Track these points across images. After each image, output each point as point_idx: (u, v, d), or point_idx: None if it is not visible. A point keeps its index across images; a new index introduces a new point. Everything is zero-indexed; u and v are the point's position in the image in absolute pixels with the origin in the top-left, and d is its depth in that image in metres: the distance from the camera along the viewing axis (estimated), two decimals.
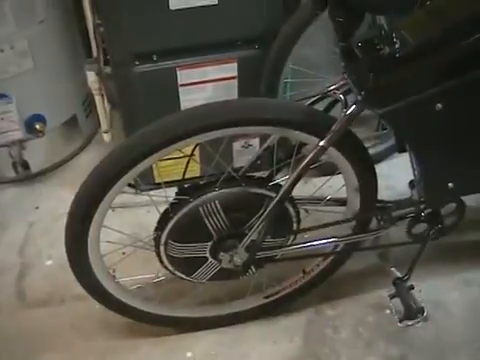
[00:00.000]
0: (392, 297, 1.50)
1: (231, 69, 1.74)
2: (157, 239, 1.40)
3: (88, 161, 2.12)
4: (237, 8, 1.62)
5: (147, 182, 1.93)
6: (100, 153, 2.11)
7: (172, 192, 1.40)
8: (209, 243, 1.40)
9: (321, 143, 1.25)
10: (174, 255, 1.42)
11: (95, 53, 1.69)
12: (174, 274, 1.48)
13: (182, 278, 1.50)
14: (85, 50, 1.93)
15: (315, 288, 1.66)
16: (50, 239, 1.91)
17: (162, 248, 1.41)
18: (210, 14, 1.61)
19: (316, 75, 1.76)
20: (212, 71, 1.72)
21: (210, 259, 1.43)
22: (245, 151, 1.95)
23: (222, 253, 1.40)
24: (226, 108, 1.26)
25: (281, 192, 1.30)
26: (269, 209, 1.31)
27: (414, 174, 1.45)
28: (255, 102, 1.30)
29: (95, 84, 1.74)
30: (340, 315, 1.70)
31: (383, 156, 2.04)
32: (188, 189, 1.36)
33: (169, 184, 1.68)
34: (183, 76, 1.72)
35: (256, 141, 1.95)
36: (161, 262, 1.45)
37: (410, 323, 1.47)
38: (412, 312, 1.46)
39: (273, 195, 1.35)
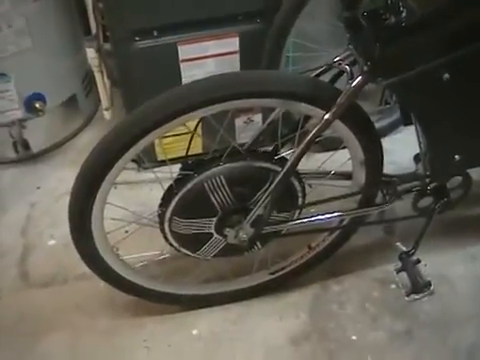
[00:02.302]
0: (398, 271, 1.50)
1: (232, 44, 1.71)
2: (162, 215, 1.38)
3: (89, 140, 2.10)
4: None
5: (149, 159, 1.91)
6: (101, 132, 2.05)
7: (176, 169, 1.38)
8: (214, 219, 1.38)
9: (327, 115, 1.23)
10: (179, 231, 1.40)
11: (94, 30, 1.66)
12: (179, 251, 1.47)
13: (187, 255, 1.48)
14: (84, 27, 1.91)
15: (321, 264, 1.66)
16: (52, 219, 1.90)
17: (167, 224, 1.39)
18: None
19: (318, 49, 1.73)
20: (213, 46, 1.70)
21: (215, 235, 1.42)
22: (247, 127, 1.93)
23: (227, 229, 1.39)
24: (231, 80, 1.24)
25: (287, 166, 1.28)
26: (275, 183, 1.30)
27: (420, 147, 1.44)
28: (260, 74, 1.28)
29: (95, 61, 1.71)
30: (346, 290, 1.70)
31: (386, 131, 2.03)
32: (192, 164, 1.34)
33: (172, 161, 1.69)
34: (184, 51, 1.70)
35: (258, 117, 1.93)
36: (166, 239, 1.44)
37: (417, 297, 1.46)
38: (419, 286, 1.45)
39: (278, 169, 1.34)
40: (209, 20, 1.67)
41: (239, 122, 1.92)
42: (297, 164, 1.28)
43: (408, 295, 1.47)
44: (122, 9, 1.58)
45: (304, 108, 1.26)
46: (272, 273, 1.63)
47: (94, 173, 1.25)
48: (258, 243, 1.46)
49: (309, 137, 1.25)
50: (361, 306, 1.66)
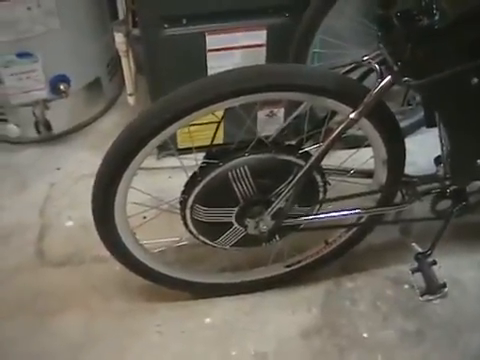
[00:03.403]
0: (414, 271, 1.51)
1: (260, 36, 1.72)
2: (183, 202, 1.40)
3: (110, 124, 2.12)
4: None
5: (169, 148, 1.92)
6: (123, 117, 2.12)
7: (198, 158, 1.40)
8: (235, 208, 1.40)
9: (354, 113, 1.24)
10: (200, 219, 1.42)
11: (123, 15, 1.67)
12: (198, 238, 1.49)
13: (205, 243, 1.50)
14: (112, 11, 1.92)
15: (336, 260, 1.67)
16: (71, 200, 1.92)
17: (188, 212, 1.41)
18: None
19: (344, 46, 1.74)
20: (241, 37, 1.71)
21: (235, 225, 1.43)
22: (269, 120, 1.94)
23: (248, 219, 1.40)
24: (261, 72, 1.25)
25: (311, 160, 1.29)
26: (298, 177, 1.31)
27: (442, 150, 1.45)
28: (291, 67, 1.29)
29: (122, 46, 1.73)
30: (359, 288, 1.71)
31: (407, 132, 2.02)
32: (217, 153, 1.35)
33: (190, 150, 1.69)
34: (212, 41, 1.70)
35: (281, 111, 1.94)
36: (186, 226, 1.45)
37: (431, 298, 1.47)
38: (433, 287, 1.46)
39: (302, 163, 1.35)
40: (238, 11, 1.67)
41: (262, 115, 1.93)
42: (321, 159, 1.30)
43: (422, 295, 1.48)
44: None
45: (331, 104, 1.27)
46: (288, 266, 1.64)
47: (121, 157, 1.27)
48: (277, 235, 1.47)
49: (335, 133, 1.26)
50: (373, 304, 1.67)
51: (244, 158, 1.33)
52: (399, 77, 1.21)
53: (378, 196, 1.50)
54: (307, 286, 1.70)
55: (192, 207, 1.39)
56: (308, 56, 1.73)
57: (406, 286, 1.70)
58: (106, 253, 1.49)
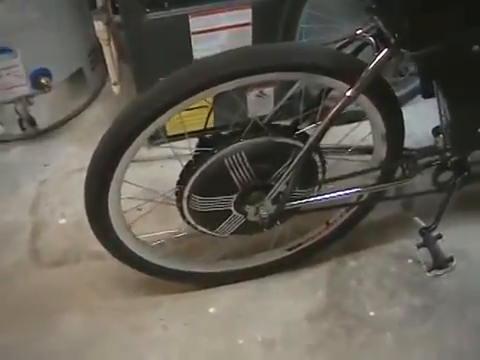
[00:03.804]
0: (419, 247, 1.48)
1: (245, 15, 1.67)
2: (179, 193, 1.35)
3: (96, 115, 2.07)
4: None
5: (159, 136, 1.87)
6: (109, 107, 2.06)
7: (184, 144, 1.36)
8: (234, 196, 1.36)
9: (351, 90, 1.20)
10: (197, 209, 1.37)
11: (102, 2, 1.61)
12: (196, 229, 1.45)
13: (204, 233, 1.46)
14: (90, 0, 1.85)
15: (338, 240, 1.64)
16: (62, 197, 1.87)
17: (185, 202, 1.36)
18: None
19: (332, 21, 1.69)
20: (225, 18, 1.65)
21: (234, 212, 1.39)
22: (260, 101, 1.89)
23: (248, 206, 1.36)
24: (254, 53, 1.20)
25: (310, 141, 1.25)
26: (297, 158, 1.27)
27: (441, 120, 1.41)
28: (284, 46, 1.24)
29: (103, 34, 1.66)
30: (363, 266, 1.68)
31: (401, 103, 1.98)
32: (211, 140, 1.30)
33: (181, 136, 1.60)
34: (195, 23, 1.65)
35: (270, 90, 1.89)
36: (183, 217, 1.41)
37: (439, 273, 1.45)
38: (441, 261, 1.43)
39: (300, 144, 1.31)
40: None
41: (252, 96, 1.88)
42: (320, 139, 1.26)
43: (429, 271, 1.45)
44: None
45: (327, 81, 1.23)
46: (289, 249, 1.61)
47: (112, 151, 1.22)
48: (278, 220, 1.43)
49: (333, 111, 1.21)
50: (378, 282, 1.64)
51: (240, 143, 1.29)
52: (397, 49, 1.16)
53: (378, 173, 1.46)
54: (310, 268, 1.67)
55: (189, 197, 1.35)
56: (297, 32, 1.68)
57: (410, 261, 1.68)
58: (102, 249, 1.45)
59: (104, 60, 1.83)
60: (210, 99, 1.35)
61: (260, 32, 1.71)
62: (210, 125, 1.82)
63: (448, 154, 1.45)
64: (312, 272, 1.67)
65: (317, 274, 1.66)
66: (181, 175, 1.34)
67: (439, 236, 1.45)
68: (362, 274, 1.66)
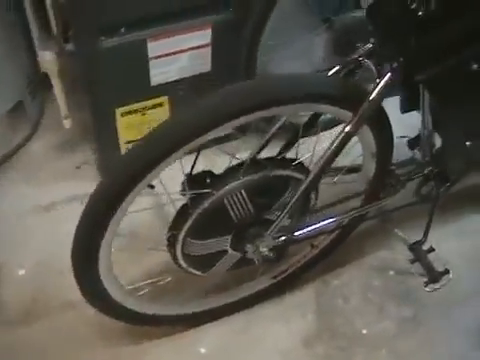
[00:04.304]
0: (412, 262, 1.46)
1: (205, 36, 1.58)
2: (172, 238, 1.26)
3: (40, 149, 1.89)
4: None
5: None
6: (52, 139, 1.91)
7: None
8: (231, 235, 1.28)
9: (350, 125, 1.15)
10: (192, 253, 1.28)
11: (55, 30, 1.45)
12: (187, 271, 1.35)
13: (195, 274, 1.37)
14: (24, 29, 1.66)
15: (322, 261, 1.60)
16: (17, 243, 1.68)
17: (178, 247, 1.27)
18: None
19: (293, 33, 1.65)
20: (185, 39, 1.56)
21: (231, 251, 1.31)
22: None
23: (247, 244, 1.29)
24: (258, 89, 1.12)
25: (315, 171, 1.19)
26: (301, 190, 1.21)
27: (423, 133, 1.40)
28: (292, 78, 1.16)
29: (52, 65, 1.51)
30: (346, 283, 1.66)
31: None
32: (206, 181, 1.21)
33: None
34: (154, 48, 1.54)
35: None
36: (175, 261, 1.31)
37: (437, 286, 1.44)
38: (436, 274, 1.43)
39: (298, 175, 1.25)
40: (180, 12, 1.51)
41: None
42: (326, 168, 1.20)
43: (427, 285, 1.44)
44: (86, 4, 1.39)
45: (330, 110, 1.17)
46: (274, 277, 1.55)
47: (112, 197, 1.10)
48: (273, 252, 1.36)
49: (341, 137, 1.16)
50: (364, 297, 1.63)
51: (239, 181, 1.21)
52: (401, 73, 1.13)
53: (365, 193, 1.43)
54: (295, 292, 1.63)
55: (183, 242, 1.26)
56: (259, 48, 1.61)
57: (392, 272, 1.68)
58: (73, 297, 1.34)
59: (45, 91, 1.67)
60: None
61: (219, 52, 1.63)
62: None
63: (430, 167, 1.45)
64: (298, 295, 1.63)
65: (303, 297, 1.63)
66: (174, 220, 1.24)
67: (431, 249, 1.45)
68: (347, 291, 1.64)
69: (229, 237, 1.28)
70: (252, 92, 1.10)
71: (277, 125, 1.28)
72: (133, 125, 1.67)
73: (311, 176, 1.20)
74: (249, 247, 1.29)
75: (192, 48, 1.58)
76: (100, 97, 1.58)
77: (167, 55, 1.57)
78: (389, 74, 1.13)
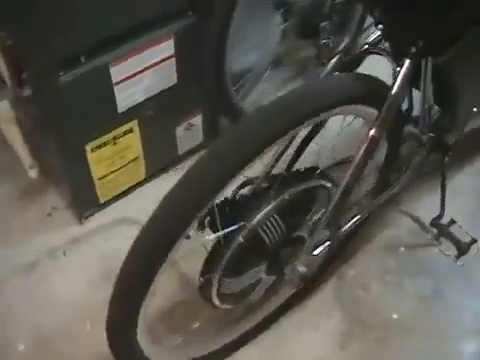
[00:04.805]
0: (437, 238, 1.43)
1: (168, 48, 1.44)
2: (207, 283, 1.14)
3: (4, 202, 1.68)
4: None
5: (91, 205, 1.60)
6: (15, 189, 1.70)
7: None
8: (266, 262, 1.18)
9: (383, 111, 1.07)
10: (229, 291, 1.17)
11: (6, 75, 1.26)
12: (220, 309, 1.25)
13: (230, 308, 1.26)
14: None
15: (338, 257, 1.53)
16: (12, 316, 1.49)
17: (213, 290, 1.15)
18: None
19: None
20: (148, 56, 1.41)
21: (265, 277, 1.22)
22: (189, 133, 1.69)
23: (286, 267, 1.20)
24: (297, 102, 1.01)
25: (348, 176, 1.10)
26: (337, 197, 1.12)
27: (423, 107, 1.35)
28: (321, 85, 1.06)
29: (7, 114, 1.32)
30: (362, 272, 1.60)
31: None
32: (232, 213, 1.10)
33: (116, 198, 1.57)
34: (117, 72, 1.39)
35: (198, 119, 1.69)
36: (209, 303, 1.20)
37: (468, 258, 1.40)
38: (464, 246, 1.40)
39: (325, 183, 1.17)
40: (139, 26, 1.36)
41: (180, 131, 1.67)
42: (359, 176, 1.12)
43: (457, 259, 1.40)
44: (38, 39, 1.21)
45: (357, 110, 1.08)
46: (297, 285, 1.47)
47: (159, 251, 0.97)
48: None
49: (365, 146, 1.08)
50: (383, 281, 1.58)
51: (271, 205, 1.10)
52: (420, 57, 1.05)
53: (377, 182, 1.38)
54: (313, 295, 1.55)
55: (219, 283, 1.14)
56: (227, 49, 1.49)
57: (402, 249, 1.64)
58: None
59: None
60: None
61: (184, 61, 1.50)
62: (141, 177, 1.62)
63: (430, 139, 1.41)
64: (317, 297, 1.55)
65: (323, 297, 1.55)
66: (207, 263, 1.12)
67: (452, 222, 1.41)
68: (364, 280, 1.59)
69: (265, 264, 1.18)
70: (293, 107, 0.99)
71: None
72: (105, 158, 1.52)
73: (348, 176, 1.11)
74: (287, 269, 1.19)
75: (156, 63, 1.45)
76: (66, 136, 1.41)
77: (132, 76, 1.42)
78: (408, 60, 1.05)
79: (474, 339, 1.47)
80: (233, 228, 1.08)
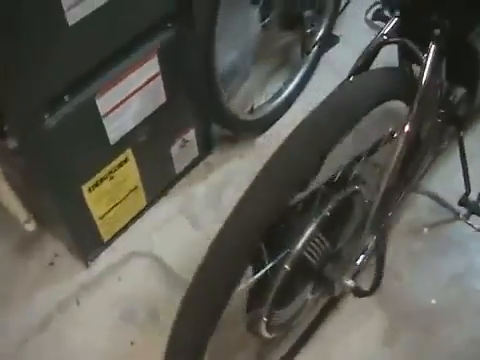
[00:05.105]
0: (468, 216, 1.36)
1: (152, 66, 1.32)
2: (255, 318, 1.05)
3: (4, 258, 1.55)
4: None
5: (95, 246, 1.49)
6: (13, 242, 1.56)
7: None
8: (312, 282, 1.09)
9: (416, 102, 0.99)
10: (278, 323, 1.09)
11: None
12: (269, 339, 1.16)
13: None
14: None
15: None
16: None
17: (262, 325, 1.06)
18: (109, 13, 1.15)
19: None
20: (134, 78, 1.29)
21: (310, 297, 1.13)
22: (184, 150, 1.58)
23: (334, 284, 1.11)
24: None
25: (387, 178, 1.02)
26: (379, 198, 1.03)
27: None
28: (367, 81, 0.97)
29: None
30: (391, 261, 1.51)
31: None
32: (273, 241, 1.00)
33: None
34: (104, 103, 1.27)
35: (191, 134, 1.58)
36: (258, 336, 1.12)
37: None
38: None
39: (357, 187, 1.08)
40: (121, 49, 1.24)
41: (175, 149, 1.56)
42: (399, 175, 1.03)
43: None
44: (16, 84, 1.08)
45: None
46: None
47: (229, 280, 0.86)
48: None
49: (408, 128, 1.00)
50: (414, 266, 1.52)
51: (313, 224, 1.01)
52: (446, 41, 0.97)
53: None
54: (347, 296, 1.47)
55: (268, 316, 1.05)
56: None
57: (426, 230, 1.58)
58: None
59: None
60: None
61: (171, 77, 1.38)
62: (143, 205, 1.51)
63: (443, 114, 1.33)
64: (351, 297, 1.47)
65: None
66: (252, 298, 1.03)
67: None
68: (395, 269, 1.52)
69: (311, 285, 1.09)
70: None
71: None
72: (104, 195, 1.41)
73: (387, 176, 1.02)
74: (336, 285, 1.11)
75: (143, 85, 1.33)
76: (60, 182, 1.29)
77: (120, 104, 1.30)
78: (434, 45, 0.97)
79: None
80: (279, 258, 0.98)
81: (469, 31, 0.97)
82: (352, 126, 0.89)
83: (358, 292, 1.12)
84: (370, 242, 1.15)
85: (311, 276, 1.08)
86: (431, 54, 0.97)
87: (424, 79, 0.98)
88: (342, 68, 1.13)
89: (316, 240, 1.02)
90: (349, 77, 1.03)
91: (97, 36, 1.16)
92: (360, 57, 1.04)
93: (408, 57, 1.04)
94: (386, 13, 1.09)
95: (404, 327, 1.42)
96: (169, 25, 1.32)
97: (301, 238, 1.00)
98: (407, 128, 0.99)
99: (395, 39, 1.01)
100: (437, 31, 0.96)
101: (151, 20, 1.27)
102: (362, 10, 1.46)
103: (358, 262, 1.13)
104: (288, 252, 1.00)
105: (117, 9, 1.16)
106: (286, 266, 1.00)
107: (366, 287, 1.17)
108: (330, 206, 1.03)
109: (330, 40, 1.70)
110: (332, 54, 1.87)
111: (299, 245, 1.00)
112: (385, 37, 1.02)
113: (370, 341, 1.41)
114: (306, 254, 1.02)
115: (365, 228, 1.07)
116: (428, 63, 0.98)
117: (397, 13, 1.01)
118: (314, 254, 1.03)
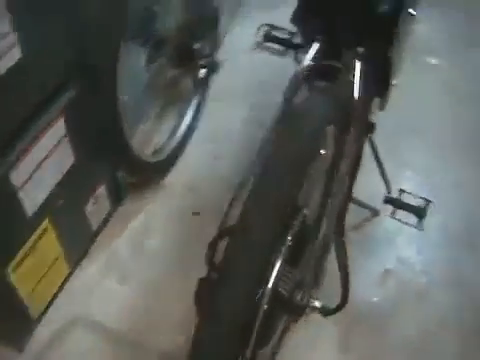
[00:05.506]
0: (393, 213, 1.43)
1: (59, 128, 1.25)
2: None
3: None
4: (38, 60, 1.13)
5: (25, 327, 1.38)
6: None
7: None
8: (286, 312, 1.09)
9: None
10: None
11: None
12: None
13: None
14: None
15: None
16: None
17: None
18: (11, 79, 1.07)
19: None
20: (43, 145, 1.21)
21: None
22: (96, 207, 1.52)
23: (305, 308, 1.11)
24: None
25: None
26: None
27: None
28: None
29: None
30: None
31: None
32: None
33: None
34: (17, 175, 1.17)
35: (102, 190, 1.52)
36: None
37: (426, 220, 1.42)
38: (421, 211, 1.41)
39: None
40: (26, 120, 1.16)
41: (89, 208, 1.48)
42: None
43: (418, 225, 1.42)
44: None
45: None
46: None
47: None
48: None
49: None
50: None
51: (280, 259, 1.01)
52: (370, 54, 1.02)
53: None
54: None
55: (252, 357, 1.03)
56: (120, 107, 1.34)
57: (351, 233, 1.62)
58: None
59: None
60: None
61: (77, 136, 1.31)
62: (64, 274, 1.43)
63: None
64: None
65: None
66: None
67: (402, 191, 1.42)
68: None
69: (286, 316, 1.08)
70: None
71: None
72: (29, 271, 1.30)
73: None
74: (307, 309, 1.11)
75: (52, 149, 1.25)
76: None
77: (33, 173, 1.21)
78: (359, 63, 1.01)
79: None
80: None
81: (389, 45, 1.02)
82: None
83: (326, 311, 1.12)
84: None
85: (286, 307, 1.06)
86: (357, 71, 1.01)
87: (356, 95, 1.00)
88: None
89: (285, 272, 1.01)
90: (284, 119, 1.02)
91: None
92: (289, 86, 1.04)
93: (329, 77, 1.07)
94: (298, 41, 1.11)
95: (355, 331, 1.45)
96: (71, 85, 1.25)
97: (272, 274, 0.98)
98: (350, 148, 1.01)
99: (329, 62, 1.02)
100: (360, 49, 1.00)
101: (52, 85, 1.20)
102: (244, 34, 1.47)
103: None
104: (263, 290, 0.97)
105: (16, 83, 1.08)
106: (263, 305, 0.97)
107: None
108: (289, 237, 1.03)
109: (214, 66, 1.71)
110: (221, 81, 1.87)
111: (270, 283, 0.98)
112: (312, 62, 1.03)
113: (328, 354, 1.42)
114: (279, 288, 1.00)
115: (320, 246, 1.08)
116: (356, 81, 1.01)
117: (318, 38, 1.03)
118: (285, 286, 1.02)
